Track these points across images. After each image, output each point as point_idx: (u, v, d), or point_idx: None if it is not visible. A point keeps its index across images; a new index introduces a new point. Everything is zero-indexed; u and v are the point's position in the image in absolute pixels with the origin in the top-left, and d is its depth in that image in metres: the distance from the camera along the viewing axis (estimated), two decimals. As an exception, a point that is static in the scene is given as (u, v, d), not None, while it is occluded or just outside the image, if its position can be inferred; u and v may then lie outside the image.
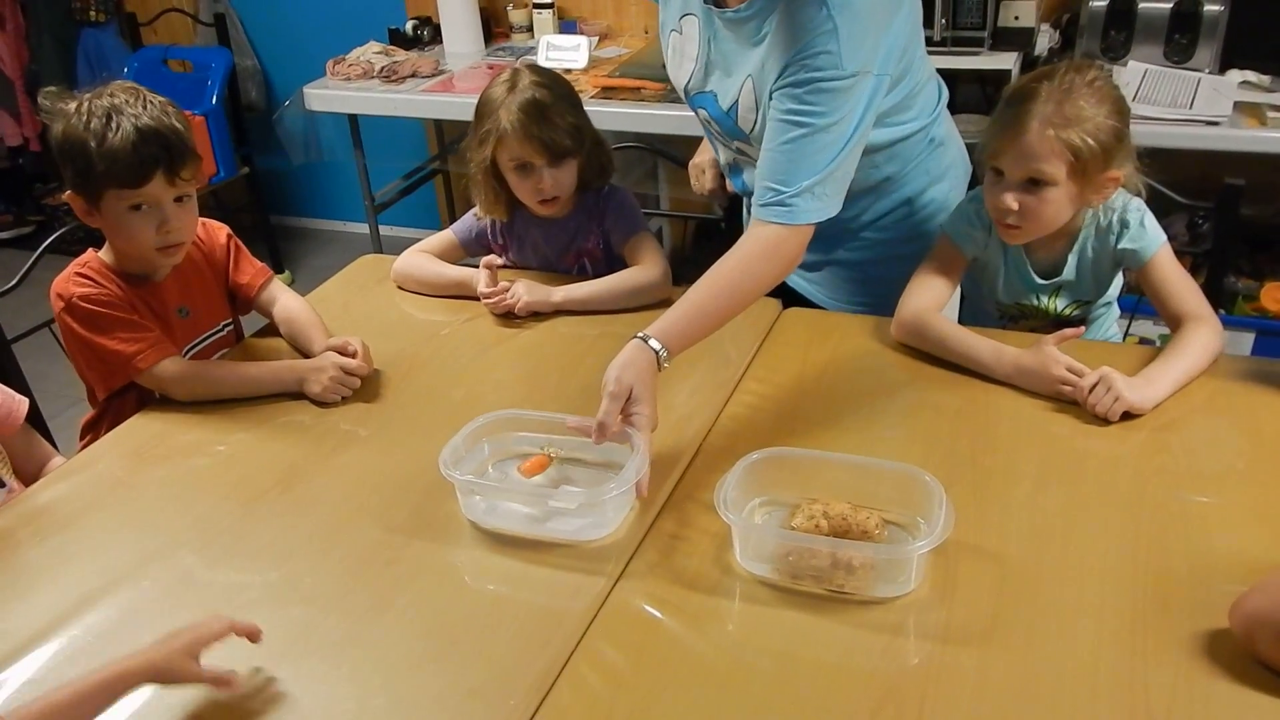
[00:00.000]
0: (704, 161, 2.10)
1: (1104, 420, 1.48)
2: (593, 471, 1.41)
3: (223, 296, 1.82)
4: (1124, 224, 1.63)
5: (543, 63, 3.26)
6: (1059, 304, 1.73)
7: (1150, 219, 1.64)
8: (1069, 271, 1.69)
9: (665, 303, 1.80)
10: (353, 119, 3.38)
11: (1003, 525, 1.29)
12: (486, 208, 1.95)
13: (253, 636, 1.12)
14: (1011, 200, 1.57)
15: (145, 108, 1.55)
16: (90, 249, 1.68)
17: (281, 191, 4.40)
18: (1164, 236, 1.64)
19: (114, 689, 1.05)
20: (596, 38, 3.45)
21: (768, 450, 1.31)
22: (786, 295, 1.91)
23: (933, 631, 1.15)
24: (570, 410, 1.48)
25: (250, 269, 1.84)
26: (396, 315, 1.91)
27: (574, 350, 1.75)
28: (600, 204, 1.95)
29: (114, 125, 1.52)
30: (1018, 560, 1.24)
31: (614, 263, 1.96)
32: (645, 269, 1.88)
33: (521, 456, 1.41)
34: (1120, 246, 1.64)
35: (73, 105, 1.56)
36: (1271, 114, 2.53)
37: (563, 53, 3.28)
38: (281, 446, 1.53)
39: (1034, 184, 1.56)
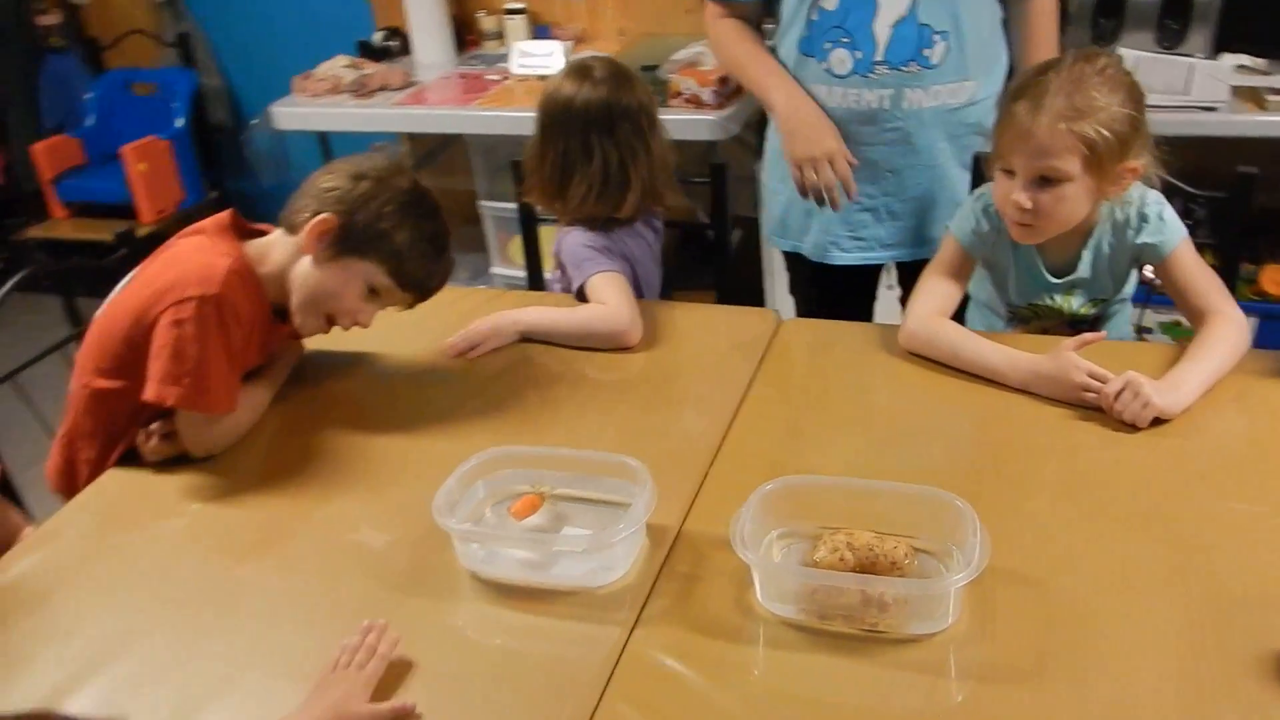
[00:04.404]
0: (832, 149, 1.85)
1: (1131, 427, 1.40)
2: (593, 509, 1.32)
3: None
4: (1143, 218, 1.56)
5: (516, 71, 3.17)
6: (1074, 303, 1.66)
7: (1170, 211, 1.57)
8: (1084, 269, 1.61)
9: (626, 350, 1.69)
10: (322, 136, 3.27)
11: (1037, 547, 1.21)
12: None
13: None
14: (1025, 199, 1.49)
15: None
16: (230, 234, 1.54)
17: (254, 213, 4.22)
18: (1184, 230, 1.57)
19: None
20: (571, 42, 3.35)
21: (783, 479, 1.23)
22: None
23: (975, 670, 1.07)
24: (562, 443, 1.41)
25: None
26: (373, 348, 1.77)
27: (566, 378, 1.65)
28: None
29: (443, 256, 1.56)
30: (1058, 586, 1.15)
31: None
32: (606, 313, 1.70)
33: (518, 497, 1.31)
34: (1139, 241, 1.57)
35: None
36: (1271, 97, 2.47)
37: (536, 59, 3.18)
38: (259, 500, 1.41)
39: (1047, 181, 1.48)
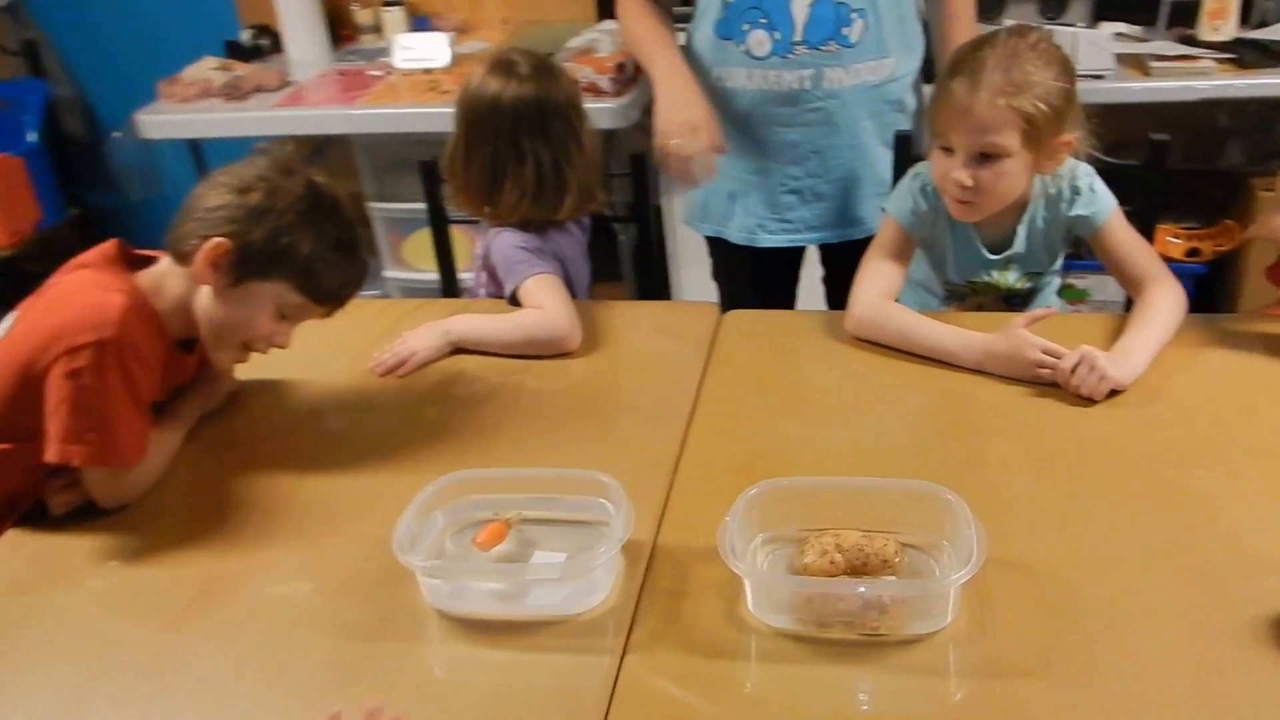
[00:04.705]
0: (698, 119, 1.78)
1: (1087, 401, 1.40)
2: (562, 530, 1.24)
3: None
4: (1075, 190, 1.56)
5: (399, 65, 3.04)
6: (1010, 278, 1.65)
7: (1100, 183, 1.57)
8: (1019, 244, 1.61)
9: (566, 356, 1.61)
10: (194, 144, 3.08)
11: (1021, 532, 1.18)
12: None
13: None
14: (965, 176, 1.47)
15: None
16: (119, 265, 1.39)
17: (121, 230, 3.92)
18: (1115, 200, 1.57)
19: None
20: (453, 34, 3.24)
21: (767, 483, 1.17)
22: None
23: (983, 666, 1.03)
24: (511, 461, 1.34)
25: None
26: (293, 373, 1.63)
27: (505, 391, 1.56)
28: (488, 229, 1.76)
29: (354, 258, 1.42)
30: (1047, 570, 1.13)
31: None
32: (545, 317, 1.61)
33: (480, 524, 1.23)
34: (1072, 214, 1.57)
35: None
36: (1154, 64, 2.53)
37: (421, 52, 3.07)
38: (187, 554, 1.27)
39: (987, 158, 1.47)
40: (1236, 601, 1.07)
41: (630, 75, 2.73)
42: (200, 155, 3.09)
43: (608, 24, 2.92)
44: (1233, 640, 1.03)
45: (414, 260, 3.14)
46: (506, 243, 1.68)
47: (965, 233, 1.62)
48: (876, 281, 1.59)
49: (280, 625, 1.16)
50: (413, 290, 3.19)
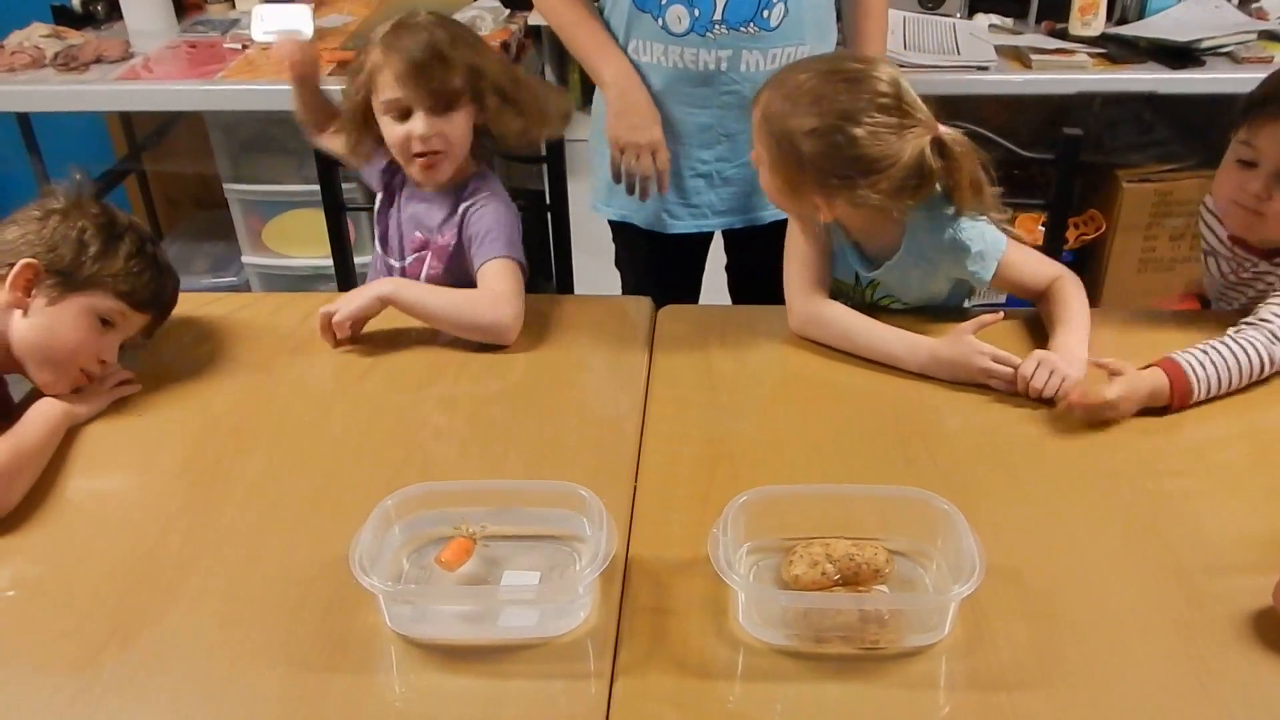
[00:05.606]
0: (656, 139, 1.82)
1: (1036, 402, 1.38)
2: (530, 546, 1.15)
3: None
4: (956, 244, 1.49)
5: (258, 38, 2.81)
6: (873, 296, 1.61)
7: (989, 233, 1.50)
8: (884, 269, 1.55)
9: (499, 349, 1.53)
10: (23, 118, 2.80)
11: (999, 534, 1.15)
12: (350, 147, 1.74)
13: None
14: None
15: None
16: None
17: None
18: (1003, 240, 1.51)
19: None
20: (311, 4, 3.04)
21: (757, 490, 1.11)
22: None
23: (983, 677, 1.01)
24: (455, 470, 1.25)
25: None
26: (185, 375, 1.50)
27: (440, 390, 1.45)
28: (466, 195, 1.65)
29: (164, 266, 1.48)
30: (1031, 575, 1.11)
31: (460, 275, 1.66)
32: (497, 300, 1.53)
33: (440, 541, 1.13)
34: (957, 273, 1.53)
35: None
36: (1035, 57, 2.58)
37: (280, 24, 2.85)
38: (101, 577, 1.12)
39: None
40: (1215, 601, 1.08)
41: (514, 56, 2.63)
42: (30, 130, 2.81)
43: (485, 1, 2.80)
44: (1220, 641, 1.03)
45: (276, 245, 2.95)
46: (499, 210, 1.62)
47: (841, 239, 1.58)
48: (806, 275, 1.54)
49: (219, 659, 1.03)
50: (274, 277, 3.00)
